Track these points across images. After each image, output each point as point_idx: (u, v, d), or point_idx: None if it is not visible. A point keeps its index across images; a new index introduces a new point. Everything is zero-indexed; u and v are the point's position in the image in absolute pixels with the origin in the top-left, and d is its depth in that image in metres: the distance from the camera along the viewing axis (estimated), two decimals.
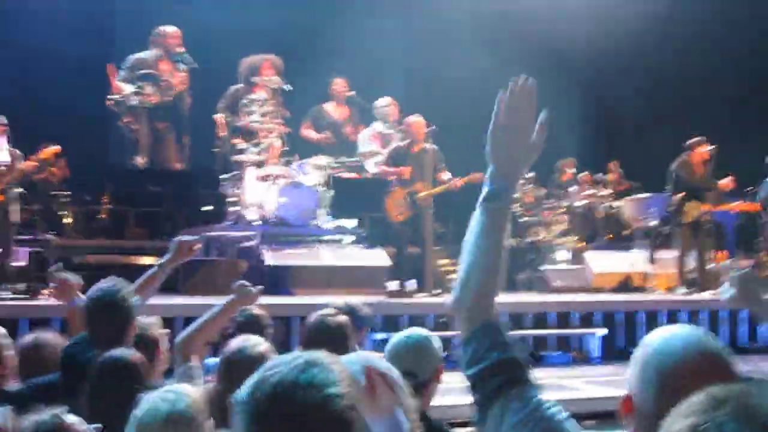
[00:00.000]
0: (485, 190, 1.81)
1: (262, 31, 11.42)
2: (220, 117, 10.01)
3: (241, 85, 10.01)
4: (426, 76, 13.17)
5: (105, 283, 3.36)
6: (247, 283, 3.63)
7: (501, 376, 1.67)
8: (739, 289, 2.43)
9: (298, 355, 1.35)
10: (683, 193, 9.73)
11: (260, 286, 3.76)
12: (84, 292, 3.68)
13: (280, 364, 1.33)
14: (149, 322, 3.59)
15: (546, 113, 1.82)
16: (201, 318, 3.45)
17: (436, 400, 3.20)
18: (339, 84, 10.57)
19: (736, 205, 10.42)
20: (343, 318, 3.43)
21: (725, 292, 2.48)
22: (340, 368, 1.35)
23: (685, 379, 1.54)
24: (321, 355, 1.36)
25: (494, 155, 1.82)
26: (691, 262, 10.01)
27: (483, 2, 12.69)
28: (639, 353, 1.63)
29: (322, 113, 10.59)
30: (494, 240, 1.76)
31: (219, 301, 3.71)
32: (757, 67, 13.24)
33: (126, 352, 2.86)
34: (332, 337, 3.27)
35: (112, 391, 2.64)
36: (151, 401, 2.13)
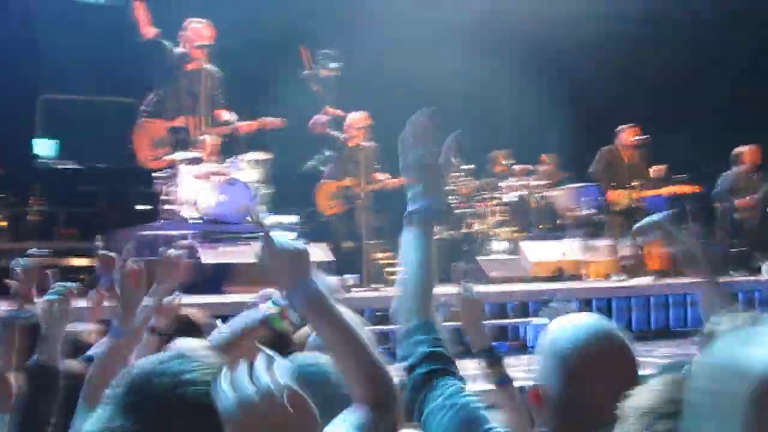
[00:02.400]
0: (413, 208, 1.94)
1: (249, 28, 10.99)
2: None
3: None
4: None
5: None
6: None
7: (424, 367, 1.78)
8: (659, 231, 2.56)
9: (170, 351, 1.43)
10: (611, 182, 9.90)
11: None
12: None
13: (149, 359, 1.40)
14: (85, 330, 3.51)
15: (453, 137, 2.04)
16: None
17: None
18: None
19: (667, 189, 10.63)
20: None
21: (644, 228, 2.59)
22: (207, 359, 1.38)
23: (590, 365, 1.63)
24: (193, 348, 1.45)
25: (412, 179, 1.98)
26: (625, 249, 10.23)
27: None
28: (544, 344, 1.69)
29: None
30: (426, 251, 1.91)
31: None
32: (684, 56, 13.55)
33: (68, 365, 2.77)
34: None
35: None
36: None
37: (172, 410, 1.31)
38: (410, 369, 1.79)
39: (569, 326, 1.69)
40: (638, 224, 2.55)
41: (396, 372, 1.80)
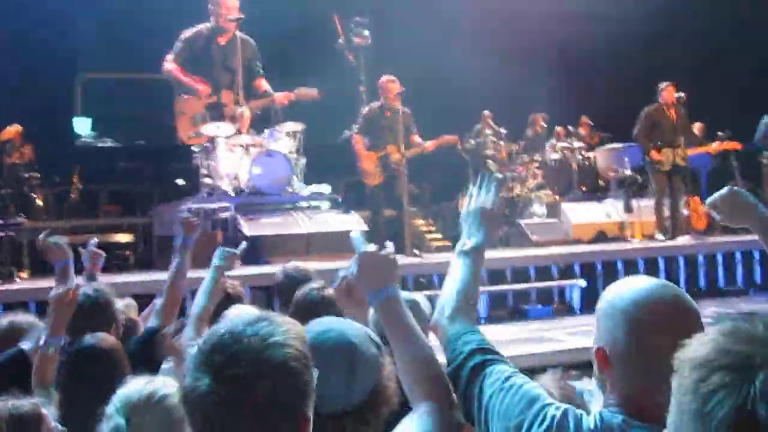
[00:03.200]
0: (468, 244, 2.11)
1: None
2: None
3: None
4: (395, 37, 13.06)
5: (87, 288, 3.29)
6: (228, 249, 3.61)
7: (473, 360, 1.83)
8: (728, 206, 2.43)
9: (253, 313, 1.40)
10: (656, 141, 9.72)
11: (241, 247, 3.74)
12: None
13: (231, 319, 1.39)
14: (125, 304, 3.54)
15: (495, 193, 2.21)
16: (201, 295, 3.41)
17: None
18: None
19: (715, 147, 10.40)
20: (330, 290, 3.38)
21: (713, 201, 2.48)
22: (291, 325, 1.39)
23: (654, 319, 1.62)
24: (275, 314, 1.42)
25: (471, 226, 2.18)
26: (667, 210, 10.08)
27: None
28: (604, 306, 1.69)
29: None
30: (477, 276, 2.06)
31: (197, 274, 3.66)
32: (722, 12, 13.25)
33: (100, 339, 2.78)
34: (323, 310, 3.24)
35: (85, 380, 2.57)
36: (128, 391, 2.09)
37: (260, 372, 1.30)
38: (461, 365, 1.84)
39: (628, 285, 1.69)
40: (710, 199, 2.45)
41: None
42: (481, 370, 1.80)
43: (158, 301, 3.61)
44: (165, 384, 2.08)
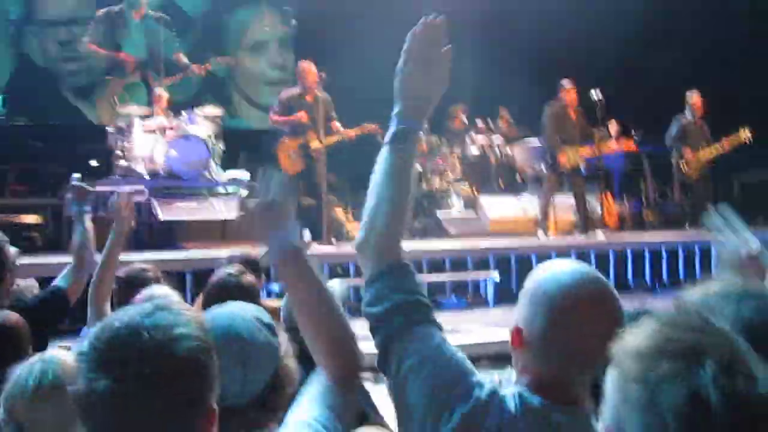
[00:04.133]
0: (392, 129, 1.78)
1: None
2: None
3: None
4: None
5: None
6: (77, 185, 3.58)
7: (401, 316, 1.65)
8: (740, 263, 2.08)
9: (145, 303, 1.30)
10: (556, 144, 9.81)
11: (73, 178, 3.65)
12: None
13: (125, 312, 1.27)
14: (27, 285, 3.43)
15: (449, 47, 1.81)
16: (98, 265, 3.35)
17: None
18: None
19: (611, 147, 10.49)
20: (250, 277, 3.31)
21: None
22: (191, 313, 1.30)
23: (575, 307, 1.60)
24: (172, 301, 1.34)
25: (404, 92, 1.80)
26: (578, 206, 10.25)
27: None
28: (527, 286, 1.67)
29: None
30: (402, 181, 1.75)
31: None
32: (646, 9, 13.52)
33: (4, 316, 2.68)
34: (233, 295, 3.18)
35: None
36: (17, 375, 2.01)
37: (166, 368, 1.21)
38: (383, 317, 1.66)
39: (555, 270, 1.66)
40: (706, 219, 2.17)
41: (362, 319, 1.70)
42: (408, 328, 1.64)
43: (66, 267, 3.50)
44: (46, 366, 2.01)
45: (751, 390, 1.01)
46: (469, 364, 1.65)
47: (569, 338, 1.58)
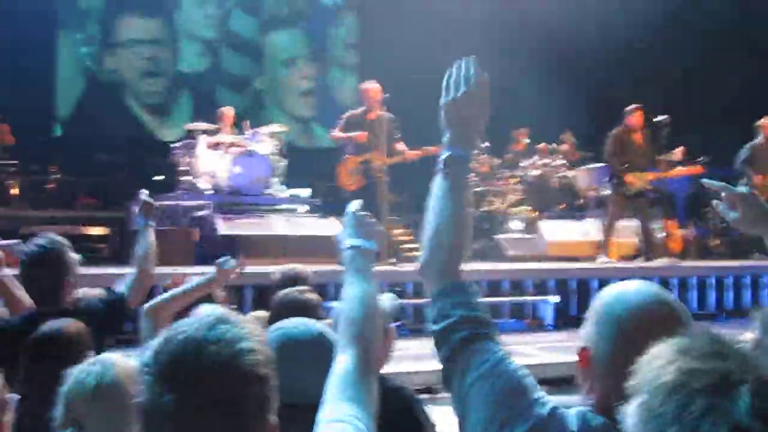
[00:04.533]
0: (443, 157, 1.84)
1: None
2: None
3: None
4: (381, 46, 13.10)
5: (40, 239, 3.26)
6: (228, 258, 3.55)
7: (464, 331, 1.68)
8: (744, 211, 2.20)
9: (207, 315, 1.29)
10: (624, 165, 9.69)
11: (239, 260, 3.69)
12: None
13: (188, 324, 1.26)
14: (95, 294, 3.49)
15: (486, 77, 1.88)
16: (177, 289, 3.38)
17: (394, 368, 3.16)
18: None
19: (676, 171, 10.34)
20: (313, 295, 3.36)
21: (726, 211, 2.30)
22: (252, 326, 1.29)
23: (642, 327, 1.57)
24: (231, 314, 1.31)
25: (449, 122, 1.86)
26: (642, 231, 10.10)
27: None
28: (595, 306, 1.66)
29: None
30: (458, 203, 1.80)
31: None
32: (711, 38, 13.36)
33: (63, 324, 2.73)
34: (299, 312, 3.22)
35: (48, 366, 2.52)
36: (76, 375, 2.06)
37: (230, 382, 1.21)
38: (446, 332, 1.69)
39: (623, 291, 1.65)
40: (728, 193, 2.19)
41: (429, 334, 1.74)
42: (470, 344, 1.66)
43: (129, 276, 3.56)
44: (105, 368, 2.05)
45: None
46: (531, 380, 1.64)
47: (636, 359, 1.57)
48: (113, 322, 3.34)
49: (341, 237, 1.87)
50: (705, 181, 2.32)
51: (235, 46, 14.27)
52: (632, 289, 1.64)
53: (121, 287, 3.48)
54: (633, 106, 9.82)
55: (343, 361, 1.61)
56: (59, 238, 3.27)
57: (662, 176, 9.78)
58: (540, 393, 1.63)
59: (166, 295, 3.34)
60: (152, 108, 13.53)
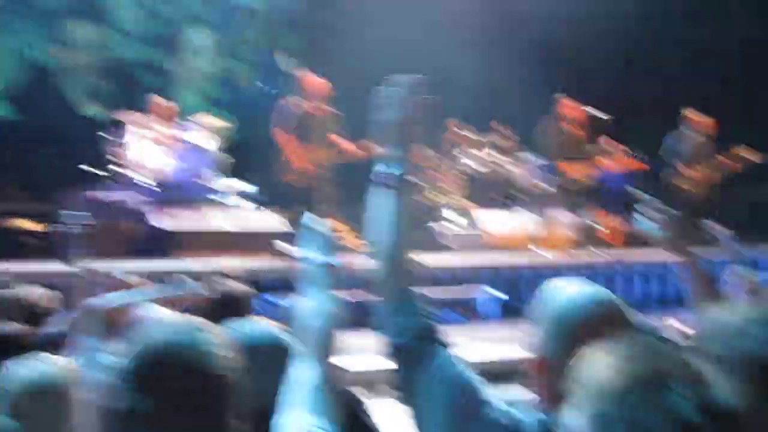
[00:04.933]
0: (384, 173, 1.86)
1: None
2: None
3: None
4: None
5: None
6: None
7: (415, 342, 1.73)
8: (669, 234, 2.37)
9: (176, 321, 1.36)
10: (559, 155, 9.79)
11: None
12: None
13: (160, 330, 1.32)
14: (37, 294, 3.40)
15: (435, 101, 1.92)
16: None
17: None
18: None
19: (614, 165, 10.52)
20: (247, 288, 3.35)
21: (647, 226, 2.40)
22: (220, 332, 1.37)
23: (589, 327, 1.61)
24: (200, 321, 1.37)
25: (387, 141, 1.89)
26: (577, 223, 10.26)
27: None
28: (542, 310, 1.71)
29: None
30: (404, 219, 1.86)
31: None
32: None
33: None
34: (236, 308, 3.19)
35: None
36: (19, 370, 2.04)
37: (208, 387, 1.27)
38: (403, 344, 1.74)
39: (567, 293, 1.68)
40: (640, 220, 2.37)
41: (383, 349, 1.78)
42: (417, 354, 1.72)
43: None
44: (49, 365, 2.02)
45: (715, 397, 1.05)
46: (477, 382, 1.68)
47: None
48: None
49: (300, 248, 1.87)
50: (631, 189, 2.43)
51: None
52: (575, 291, 1.69)
53: None
54: (563, 95, 9.88)
55: (306, 372, 1.62)
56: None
57: (600, 168, 9.93)
58: (487, 394, 1.66)
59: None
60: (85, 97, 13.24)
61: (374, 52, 11.05)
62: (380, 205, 1.86)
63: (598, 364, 1.12)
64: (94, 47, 13.58)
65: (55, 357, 2.18)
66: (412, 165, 1.90)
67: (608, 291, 1.72)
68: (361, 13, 12.47)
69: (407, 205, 1.88)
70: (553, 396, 1.63)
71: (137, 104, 10.00)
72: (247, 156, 10.06)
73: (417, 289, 1.82)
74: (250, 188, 9.88)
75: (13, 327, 2.73)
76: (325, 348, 1.68)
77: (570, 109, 9.82)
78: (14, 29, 12.73)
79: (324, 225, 1.92)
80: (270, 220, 9.00)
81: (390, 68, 2.04)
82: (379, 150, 1.90)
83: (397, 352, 1.74)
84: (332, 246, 1.87)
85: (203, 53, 14.75)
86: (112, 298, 3.27)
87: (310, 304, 1.74)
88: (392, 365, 1.75)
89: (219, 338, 1.33)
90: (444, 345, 1.75)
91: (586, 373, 1.13)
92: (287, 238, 8.66)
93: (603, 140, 10.25)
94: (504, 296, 8.47)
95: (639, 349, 1.12)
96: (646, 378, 1.07)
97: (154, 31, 14.19)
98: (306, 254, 1.84)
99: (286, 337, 1.89)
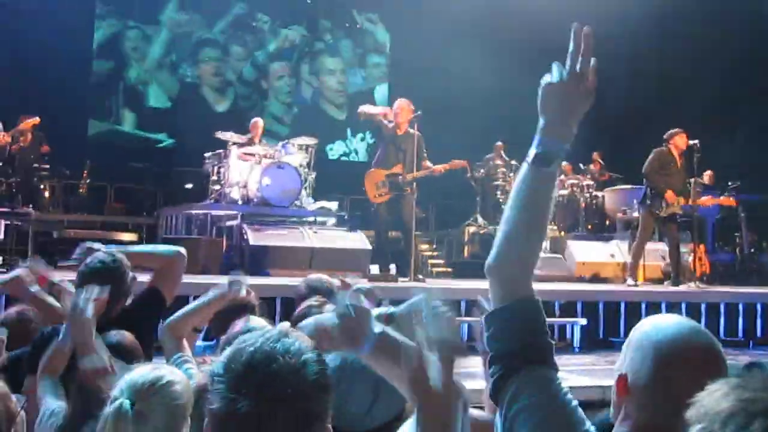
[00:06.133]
0: (535, 150, 1.70)
1: None
2: None
3: None
4: (412, 63, 13.18)
5: (101, 254, 3.28)
6: (239, 278, 3.48)
7: (523, 356, 1.65)
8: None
9: (268, 329, 1.41)
10: (660, 186, 9.63)
11: (244, 280, 3.54)
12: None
13: (254, 337, 1.37)
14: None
15: (595, 61, 1.72)
16: (191, 304, 3.38)
17: None
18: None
19: (708, 200, 10.29)
20: (329, 307, 3.37)
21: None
22: (310, 342, 1.40)
23: (681, 355, 1.61)
24: (290, 328, 1.43)
25: (548, 107, 1.72)
26: (670, 254, 10.04)
27: None
28: (634, 335, 1.68)
29: None
30: (541, 208, 1.69)
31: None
32: (741, 62, 13.29)
33: (118, 336, 2.77)
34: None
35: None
36: (140, 376, 2.09)
37: (300, 390, 1.31)
38: (504, 352, 1.65)
39: (662, 321, 1.68)
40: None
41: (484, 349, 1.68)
42: (525, 369, 1.63)
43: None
44: (171, 372, 2.09)
45: None
46: (581, 413, 1.64)
47: (674, 388, 1.59)
48: (149, 315, 3.36)
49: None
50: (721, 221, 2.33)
51: None
52: (670, 320, 1.68)
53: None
54: (677, 129, 9.74)
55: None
56: (121, 256, 3.28)
57: (696, 203, 9.71)
58: (590, 425, 1.63)
59: (185, 311, 3.31)
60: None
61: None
62: (525, 180, 1.70)
63: (718, 389, 1.14)
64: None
65: (172, 367, 2.21)
66: (569, 139, 1.73)
67: (700, 325, 1.69)
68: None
69: (551, 186, 1.71)
70: (633, 418, 1.63)
71: (238, 124, 10.32)
72: (336, 176, 10.23)
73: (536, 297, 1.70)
74: (333, 206, 10.03)
75: (129, 336, 2.80)
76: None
77: (682, 140, 9.66)
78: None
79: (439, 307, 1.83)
80: (355, 239, 9.11)
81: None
82: None
83: (492, 357, 1.68)
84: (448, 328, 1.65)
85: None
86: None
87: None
88: (497, 385, 1.66)
89: (310, 346, 1.38)
90: (555, 368, 1.68)
91: (706, 397, 1.15)
92: (372, 256, 8.77)
93: (701, 172, 10.03)
94: (584, 322, 8.33)
95: (759, 381, 1.14)
96: (761, 402, 1.10)
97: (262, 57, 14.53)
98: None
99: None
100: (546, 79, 1.71)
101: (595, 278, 10.26)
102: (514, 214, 1.69)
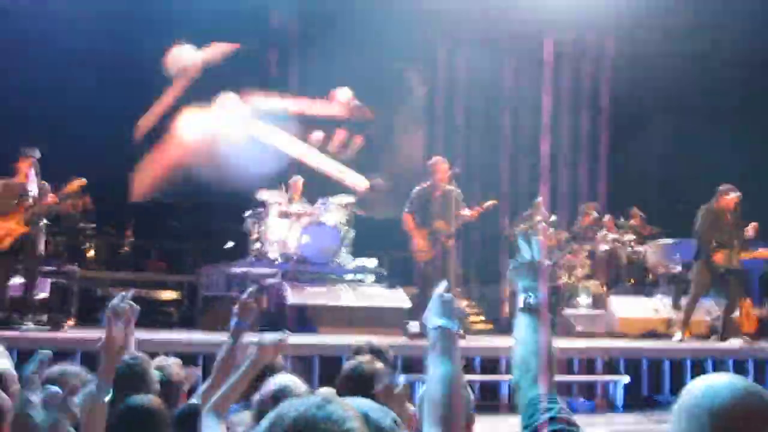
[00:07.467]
0: (525, 301, 2.04)
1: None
2: None
3: None
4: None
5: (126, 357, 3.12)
6: (264, 337, 3.37)
7: (553, 427, 1.79)
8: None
9: (311, 395, 1.47)
10: (713, 242, 9.51)
11: (283, 335, 3.46)
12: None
13: (297, 402, 1.37)
14: (170, 363, 3.51)
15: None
16: (228, 382, 3.24)
17: None
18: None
19: (760, 253, 10.19)
20: (379, 365, 3.35)
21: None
22: (353, 408, 1.40)
23: (735, 422, 1.55)
24: (333, 394, 1.42)
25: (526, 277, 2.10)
26: (715, 310, 9.86)
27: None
28: (685, 399, 1.62)
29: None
30: (548, 340, 1.98)
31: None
32: None
33: (146, 399, 2.78)
34: (367, 383, 3.20)
35: None
36: None
37: None
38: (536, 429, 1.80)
39: (712, 384, 1.62)
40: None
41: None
42: None
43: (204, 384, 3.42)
44: None
45: None
46: None
47: None
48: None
49: (427, 317, 1.93)
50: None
51: None
52: (723, 382, 1.61)
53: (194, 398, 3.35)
54: (729, 186, 9.65)
55: None
56: (142, 355, 3.25)
57: (744, 257, 9.59)
58: None
59: (224, 391, 3.18)
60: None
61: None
62: (526, 325, 2.01)
63: None
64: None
65: None
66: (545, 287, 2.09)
67: (756, 385, 1.63)
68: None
69: (545, 321, 2.03)
70: None
71: (275, 183, 10.43)
72: (373, 233, 10.26)
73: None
74: (374, 264, 10.04)
75: (155, 399, 2.81)
76: (449, 416, 1.71)
77: (733, 196, 9.57)
78: None
79: (450, 294, 1.99)
80: (394, 296, 9.10)
81: None
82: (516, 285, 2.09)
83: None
84: (456, 313, 1.93)
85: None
86: None
87: (436, 372, 1.79)
88: None
89: (353, 414, 1.37)
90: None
91: None
92: (410, 314, 8.73)
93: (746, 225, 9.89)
94: (627, 380, 8.17)
95: None
96: None
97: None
98: (435, 322, 1.90)
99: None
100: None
101: (638, 334, 10.09)
102: (526, 348, 1.98)
